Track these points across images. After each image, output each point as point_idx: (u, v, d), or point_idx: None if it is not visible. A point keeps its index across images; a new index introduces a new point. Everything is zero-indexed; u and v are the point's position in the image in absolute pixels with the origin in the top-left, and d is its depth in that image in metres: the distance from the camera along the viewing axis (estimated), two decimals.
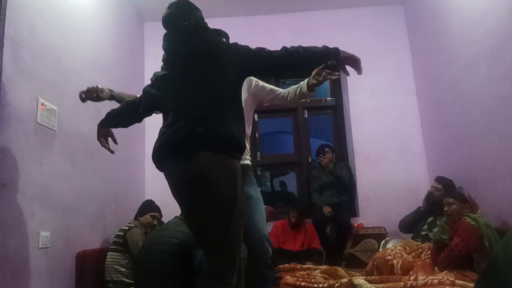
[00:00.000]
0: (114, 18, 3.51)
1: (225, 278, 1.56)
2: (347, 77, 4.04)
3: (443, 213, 2.68)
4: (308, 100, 4.20)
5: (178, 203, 1.68)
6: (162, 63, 1.84)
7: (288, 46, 1.72)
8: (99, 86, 2.21)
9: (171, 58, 1.78)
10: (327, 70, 1.97)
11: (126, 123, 2.01)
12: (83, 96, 2.20)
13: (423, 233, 3.15)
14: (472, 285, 2.09)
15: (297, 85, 2.19)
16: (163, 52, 1.82)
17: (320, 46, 1.74)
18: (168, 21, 1.81)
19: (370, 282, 2.39)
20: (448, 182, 3.13)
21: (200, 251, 2.03)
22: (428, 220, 3.18)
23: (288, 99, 2.24)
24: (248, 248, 2.03)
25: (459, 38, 3.14)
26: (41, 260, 2.20)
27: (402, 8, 4.22)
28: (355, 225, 3.73)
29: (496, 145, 2.71)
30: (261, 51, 1.73)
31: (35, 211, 2.17)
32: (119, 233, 2.82)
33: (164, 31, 1.84)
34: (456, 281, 2.16)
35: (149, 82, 1.86)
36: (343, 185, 3.80)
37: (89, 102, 2.86)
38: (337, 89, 4.40)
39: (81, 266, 2.55)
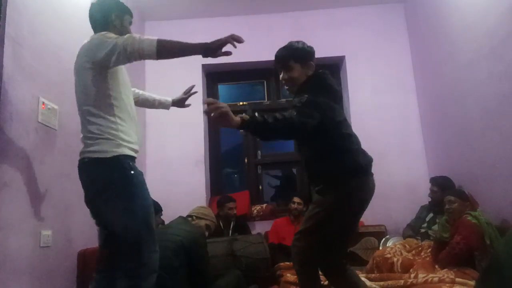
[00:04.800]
0: None
1: None
2: (348, 76, 4.10)
3: (443, 211, 2.69)
4: None
5: (351, 216, 1.89)
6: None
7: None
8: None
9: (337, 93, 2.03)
10: None
11: (273, 138, 1.86)
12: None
13: (423, 230, 3.16)
14: (472, 283, 2.10)
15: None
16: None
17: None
18: None
19: (370, 280, 2.40)
20: (443, 181, 3.12)
21: None
22: (427, 218, 3.19)
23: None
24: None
25: (459, 36, 3.14)
26: (42, 259, 2.20)
27: (402, 6, 4.22)
28: None
29: (496, 143, 2.71)
30: None
31: (36, 210, 2.17)
32: None
33: None
34: (456, 279, 2.17)
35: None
36: None
37: None
38: None
39: (82, 265, 2.55)
